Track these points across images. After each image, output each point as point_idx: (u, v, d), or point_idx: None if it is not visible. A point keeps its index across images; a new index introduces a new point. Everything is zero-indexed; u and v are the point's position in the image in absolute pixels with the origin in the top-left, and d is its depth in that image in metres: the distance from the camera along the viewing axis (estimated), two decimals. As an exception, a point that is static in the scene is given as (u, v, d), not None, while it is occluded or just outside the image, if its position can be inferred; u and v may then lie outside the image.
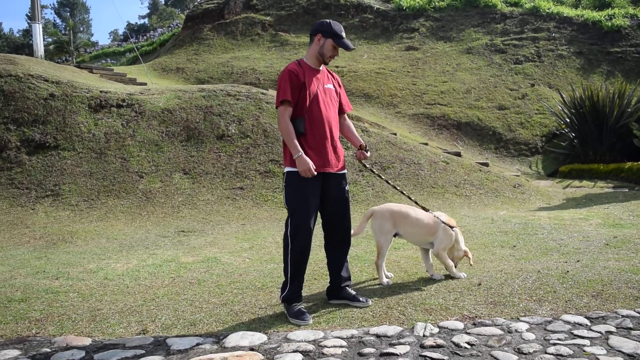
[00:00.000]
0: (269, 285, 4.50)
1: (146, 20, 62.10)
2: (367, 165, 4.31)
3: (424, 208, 4.45)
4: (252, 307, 3.96)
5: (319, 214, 3.93)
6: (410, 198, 4.53)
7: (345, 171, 3.99)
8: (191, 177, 9.30)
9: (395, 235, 4.48)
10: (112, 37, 64.57)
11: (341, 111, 4.07)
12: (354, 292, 3.96)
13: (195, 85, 14.25)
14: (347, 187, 3.97)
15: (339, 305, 3.91)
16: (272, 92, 11.97)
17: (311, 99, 3.78)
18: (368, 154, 4.02)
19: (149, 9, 70.34)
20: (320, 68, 3.92)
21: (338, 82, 4.08)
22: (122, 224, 7.91)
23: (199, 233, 7.26)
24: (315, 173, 3.67)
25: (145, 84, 14.78)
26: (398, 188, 4.53)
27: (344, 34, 3.86)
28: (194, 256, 5.82)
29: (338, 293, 3.98)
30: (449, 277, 4.45)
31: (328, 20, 3.90)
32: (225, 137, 10.17)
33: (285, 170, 3.82)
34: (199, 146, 9.99)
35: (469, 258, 4.53)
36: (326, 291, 4.08)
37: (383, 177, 4.52)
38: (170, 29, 29.73)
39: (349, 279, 4.03)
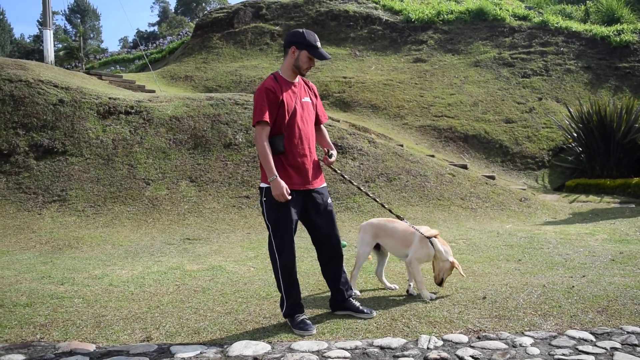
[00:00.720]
0: (273, 295, 4.50)
1: (156, 28, 62.67)
2: (338, 171, 4.28)
3: (398, 217, 4.42)
4: (256, 317, 3.96)
5: (307, 231, 3.96)
6: (383, 206, 4.47)
7: (325, 184, 3.96)
8: (197, 185, 9.34)
9: (377, 249, 4.58)
10: (121, 44, 65.18)
11: (317, 122, 4.02)
12: (358, 304, 3.95)
13: (204, 93, 14.33)
14: (329, 200, 3.94)
15: (343, 316, 3.90)
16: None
17: (290, 116, 3.72)
18: (332, 159, 3.96)
19: (158, 16, 71.09)
20: (297, 80, 3.85)
21: (315, 92, 4.01)
22: (127, 231, 7.94)
23: (204, 241, 7.28)
24: (289, 197, 3.62)
25: (153, 91, 14.87)
26: (371, 195, 4.53)
27: (319, 44, 3.77)
28: (199, 264, 5.83)
29: (342, 304, 3.97)
30: (455, 291, 4.44)
31: (301, 30, 3.80)
32: (232, 145, 10.21)
33: (263, 186, 3.73)
34: (206, 154, 10.03)
35: (458, 269, 4.29)
36: (329, 303, 4.07)
37: (355, 183, 4.46)
38: (179, 37, 29.92)
39: (350, 289, 4.03)
